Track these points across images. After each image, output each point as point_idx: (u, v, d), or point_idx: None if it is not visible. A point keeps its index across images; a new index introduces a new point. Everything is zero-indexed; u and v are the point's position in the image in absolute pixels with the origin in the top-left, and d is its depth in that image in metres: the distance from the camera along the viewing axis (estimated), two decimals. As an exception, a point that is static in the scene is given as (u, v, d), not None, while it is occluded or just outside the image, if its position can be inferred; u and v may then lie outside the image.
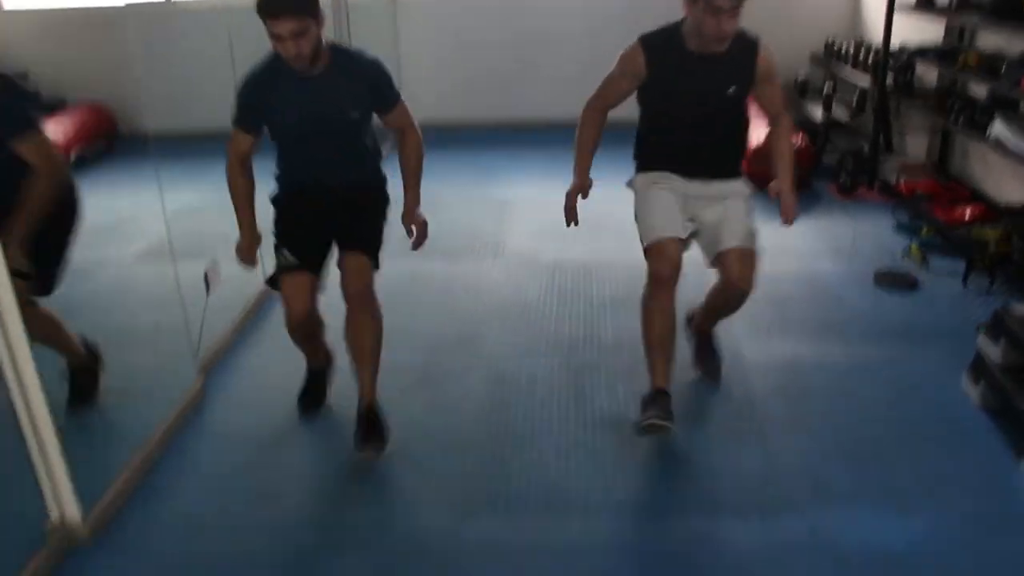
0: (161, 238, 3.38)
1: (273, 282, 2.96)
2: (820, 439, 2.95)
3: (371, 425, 2.87)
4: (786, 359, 3.47)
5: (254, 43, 4.51)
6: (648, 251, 2.97)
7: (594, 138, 3.08)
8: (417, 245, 3.13)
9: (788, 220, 3.00)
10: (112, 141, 7.08)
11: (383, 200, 3.08)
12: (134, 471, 2.79)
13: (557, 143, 6.77)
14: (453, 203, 5.42)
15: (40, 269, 2.70)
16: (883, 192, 5.42)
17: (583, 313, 3.91)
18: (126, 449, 2.86)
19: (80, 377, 3.17)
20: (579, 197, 3.11)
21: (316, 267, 2.91)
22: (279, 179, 3.00)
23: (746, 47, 2.90)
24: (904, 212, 5.02)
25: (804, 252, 4.57)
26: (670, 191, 3.02)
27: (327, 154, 2.90)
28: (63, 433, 2.44)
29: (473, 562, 2.43)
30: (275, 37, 2.61)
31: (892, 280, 4.18)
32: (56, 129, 6.02)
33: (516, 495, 2.70)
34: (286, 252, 2.86)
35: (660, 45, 2.92)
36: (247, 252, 3.02)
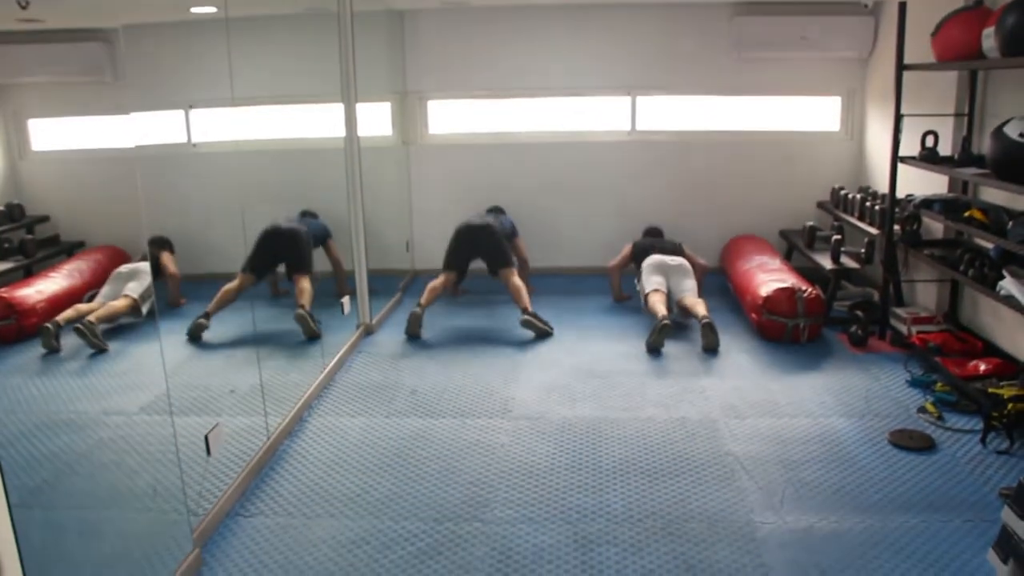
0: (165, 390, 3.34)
1: None
2: (840, 624, 2.81)
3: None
4: (799, 529, 3.35)
5: (265, 186, 4.66)
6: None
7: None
8: None
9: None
10: (127, 284, 7.14)
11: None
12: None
13: (565, 292, 6.86)
14: (462, 359, 5.40)
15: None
16: (895, 344, 5.37)
17: (592, 478, 3.80)
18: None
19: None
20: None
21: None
22: None
23: None
24: (917, 365, 4.96)
25: (816, 409, 4.49)
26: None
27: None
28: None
29: None
30: None
31: (908, 440, 4.08)
32: (73, 270, 6.08)
33: None
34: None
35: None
36: None
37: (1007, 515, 3.03)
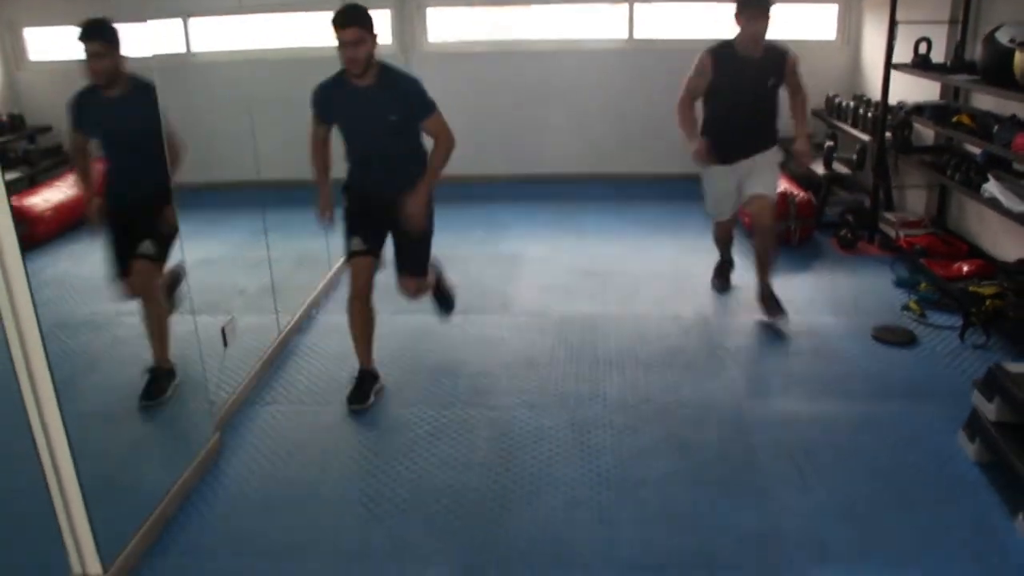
0: (183, 290, 3.50)
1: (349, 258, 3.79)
2: (819, 497, 3.02)
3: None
4: (786, 415, 3.56)
5: (272, 93, 4.72)
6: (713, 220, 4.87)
7: (691, 118, 4.40)
8: (409, 222, 3.73)
9: (802, 164, 5.04)
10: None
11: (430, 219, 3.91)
12: (153, 527, 2.89)
13: (564, 197, 6.98)
14: (463, 258, 5.55)
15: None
16: (883, 247, 5.54)
17: (589, 369, 4.01)
18: (145, 504, 2.93)
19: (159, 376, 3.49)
20: (698, 152, 4.33)
21: (377, 253, 3.77)
22: (348, 172, 3.82)
23: (779, 53, 4.32)
24: (903, 267, 5.13)
25: (805, 306, 4.67)
26: (725, 183, 4.52)
27: (377, 151, 3.70)
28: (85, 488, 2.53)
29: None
30: (341, 44, 3.44)
31: (891, 335, 4.28)
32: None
33: (522, 551, 2.79)
34: (357, 240, 3.71)
35: (721, 51, 4.29)
36: (324, 210, 3.88)
37: (976, 398, 3.24)
